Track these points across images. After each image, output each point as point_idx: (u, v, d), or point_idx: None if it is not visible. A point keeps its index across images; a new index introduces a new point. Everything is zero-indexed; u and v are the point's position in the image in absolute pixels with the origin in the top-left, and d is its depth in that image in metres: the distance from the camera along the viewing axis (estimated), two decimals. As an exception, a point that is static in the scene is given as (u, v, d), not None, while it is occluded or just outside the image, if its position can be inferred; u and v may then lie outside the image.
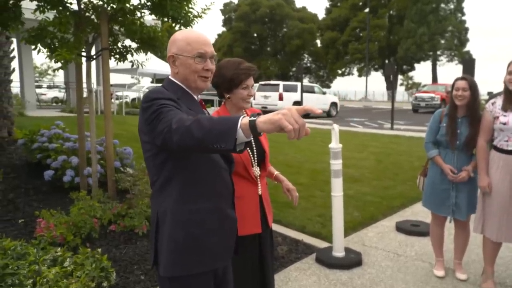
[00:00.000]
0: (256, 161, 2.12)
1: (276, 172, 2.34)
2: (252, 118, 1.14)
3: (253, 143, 2.13)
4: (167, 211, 1.51)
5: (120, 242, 3.56)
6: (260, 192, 2.14)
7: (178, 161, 1.49)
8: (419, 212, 4.91)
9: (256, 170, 2.12)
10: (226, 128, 1.15)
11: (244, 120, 1.15)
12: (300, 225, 4.35)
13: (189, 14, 4.41)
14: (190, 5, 4.38)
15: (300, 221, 4.42)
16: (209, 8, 4.56)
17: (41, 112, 14.09)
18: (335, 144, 3.41)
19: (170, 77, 1.62)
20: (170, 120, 1.28)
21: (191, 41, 1.55)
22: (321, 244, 3.91)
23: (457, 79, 3.00)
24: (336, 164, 3.45)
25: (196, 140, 1.18)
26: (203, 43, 1.57)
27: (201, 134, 1.17)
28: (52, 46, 4.11)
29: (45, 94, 24.56)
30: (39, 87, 26.16)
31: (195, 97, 1.63)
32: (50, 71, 36.18)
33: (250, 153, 2.10)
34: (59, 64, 4.05)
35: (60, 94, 24.48)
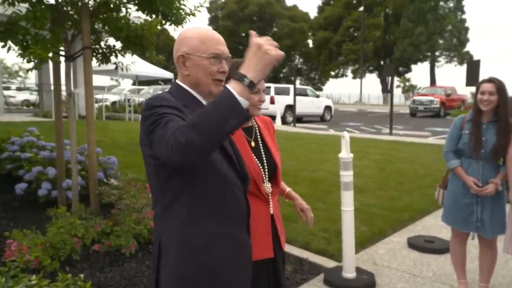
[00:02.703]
0: (267, 176, 1.98)
1: (288, 189, 2.20)
2: (240, 77, 1.17)
3: (264, 155, 1.99)
4: (173, 235, 1.39)
5: (105, 265, 3.37)
6: (272, 211, 2.00)
7: (186, 178, 1.36)
8: (431, 226, 4.83)
9: (268, 187, 1.98)
10: (227, 103, 1.16)
11: (233, 85, 1.17)
12: (303, 241, 4.21)
13: (181, 10, 4.26)
14: (182, 1, 4.23)
15: (303, 237, 4.29)
16: (202, 6, 4.43)
17: (10, 116, 13.73)
18: (345, 154, 3.30)
19: (177, 81, 1.50)
20: (170, 135, 1.19)
21: (205, 40, 1.46)
22: (328, 263, 3.80)
23: (483, 81, 2.90)
24: (347, 176, 3.35)
25: (206, 131, 1.14)
26: (218, 42, 1.47)
27: (209, 122, 1.14)
28: (25, 44, 3.91)
29: (14, 97, 24.13)
30: (7, 89, 25.67)
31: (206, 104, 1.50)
32: (21, 72, 35.53)
33: (261, 167, 1.96)
34: (32, 64, 3.85)
35: (32, 97, 24.05)
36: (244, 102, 1.17)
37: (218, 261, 1.40)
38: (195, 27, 1.51)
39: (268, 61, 1.19)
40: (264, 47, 1.18)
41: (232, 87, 1.17)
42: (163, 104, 1.32)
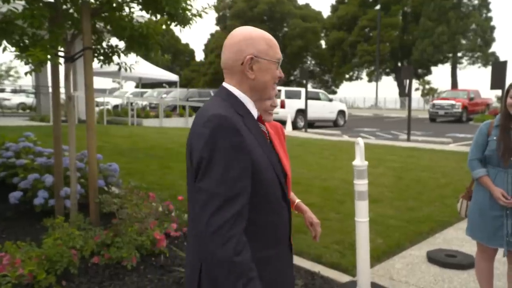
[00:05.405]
0: (277, 186, 1.97)
1: (297, 201, 2.19)
2: None
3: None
4: None
5: (104, 278, 3.37)
6: (282, 223, 1.99)
7: None
8: (452, 239, 4.77)
9: (277, 196, 1.97)
10: None
11: None
12: (315, 254, 4.19)
13: (187, 11, 4.29)
14: (188, 1, 4.27)
15: (315, 250, 4.26)
16: (210, 7, 4.47)
17: (4, 120, 13.89)
18: (360, 161, 3.29)
19: (229, 86, 1.48)
20: (231, 233, 1.25)
21: (271, 43, 1.48)
22: (342, 277, 3.77)
23: None
24: (361, 185, 3.33)
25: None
26: (278, 47, 1.51)
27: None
28: (22, 44, 3.96)
29: (9, 100, 24.41)
30: (2, 91, 26.00)
31: (254, 114, 1.52)
32: (12, 72, 35.21)
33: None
34: (29, 66, 3.88)
35: (28, 100, 24.32)
36: None
37: (269, 285, 1.41)
38: (253, 28, 1.50)
39: None
40: None
41: None
42: (229, 147, 1.30)
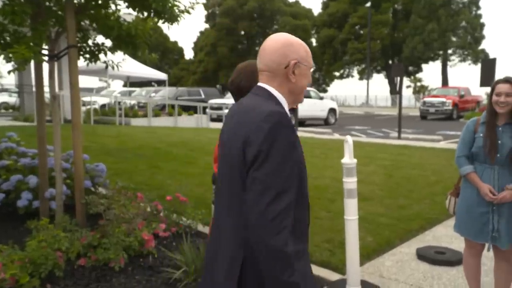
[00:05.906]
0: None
1: None
2: None
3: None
4: None
5: (91, 280, 3.35)
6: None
7: None
8: (442, 237, 4.83)
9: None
10: None
11: None
12: (305, 253, 4.20)
13: (175, 8, 4.28)
14: (176, -3, 4.27)
15: (305, 249, 4.28)
16: (198, 3, 4.46)
17: (-14, 121, 13.73)
18: (349, 159, 3.31)
19: (271, 89, 1.55)
20: (284, 224, 1.34)
21: (307, 51, 1.60)
22: (332, 276, 3.80)
23: (498, 82, 2.89)
24: (350, 183, 3.35)
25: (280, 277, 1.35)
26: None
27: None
28: (3, 41, 3.91)
29: (-10, 99, 24.16)
30: (-17, 90, 25.70)
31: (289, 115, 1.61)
32: None
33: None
34: (12, 65, 3.84)
35: (11, 99, 24.07)
36: None
37: (301, 277, 1.45)
38: (291, 36, 1.60)
39: None
40: None
41: None
42: (286, 145, 1.40)
